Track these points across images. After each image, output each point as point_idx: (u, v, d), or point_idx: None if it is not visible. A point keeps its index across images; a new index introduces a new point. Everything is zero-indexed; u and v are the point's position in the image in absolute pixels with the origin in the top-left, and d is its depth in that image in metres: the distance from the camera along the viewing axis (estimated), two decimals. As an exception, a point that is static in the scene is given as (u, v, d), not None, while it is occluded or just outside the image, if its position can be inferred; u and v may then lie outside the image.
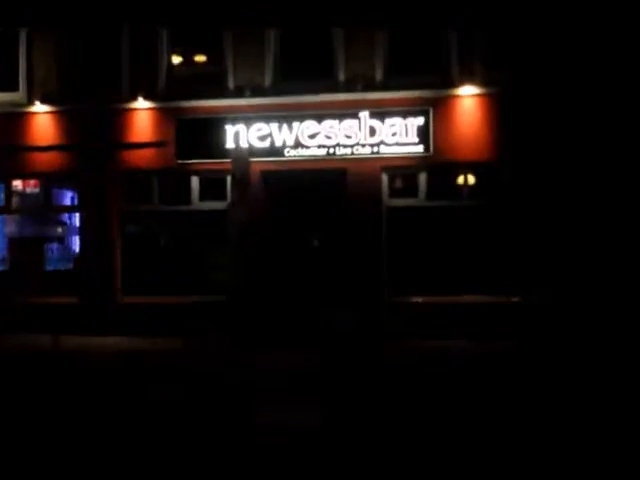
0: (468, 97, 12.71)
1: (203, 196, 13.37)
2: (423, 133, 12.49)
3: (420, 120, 12.52)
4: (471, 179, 12.80)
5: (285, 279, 12.93)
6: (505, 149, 12.45)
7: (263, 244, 12.85)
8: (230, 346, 11.15)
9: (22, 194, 14.25)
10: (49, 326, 12.78)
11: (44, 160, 13.73)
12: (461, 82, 12.70)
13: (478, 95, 12.69)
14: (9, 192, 14.16)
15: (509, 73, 12.45)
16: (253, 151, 12.56)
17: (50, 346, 11.63)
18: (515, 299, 12.41)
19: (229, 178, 12.41)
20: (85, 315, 13.40)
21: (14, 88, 13.97)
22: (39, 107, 13.82)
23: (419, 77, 12.75)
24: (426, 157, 12.58)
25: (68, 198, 14.41)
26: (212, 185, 13.29)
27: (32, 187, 14.14)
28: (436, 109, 12.60)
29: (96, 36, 13.61)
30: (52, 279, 13.86)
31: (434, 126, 12.56)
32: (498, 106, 12.54)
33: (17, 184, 14.25)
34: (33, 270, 13.83)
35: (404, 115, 12.51)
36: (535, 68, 12.40)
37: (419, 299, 12.72)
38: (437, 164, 12.65)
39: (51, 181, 14.06)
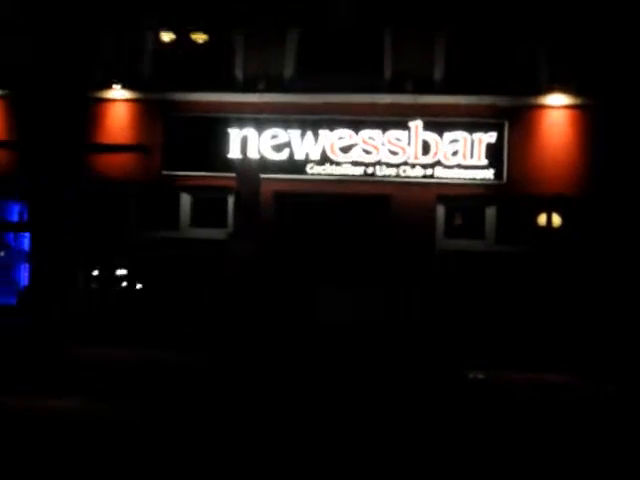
0: (557, 109, 11.00)
1: (196, 220, 11.69)
2: (495, 154, 10.88)
3: (491, 136, 10.88)
4: (556, 219, 11.07)
5: (298, 340, 10.82)
6: (603, 181, 10.76)
7: (272, 290, 10.82)
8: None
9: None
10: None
11: (-18, 161, 11.84)
12: (549, 89, 10.95)
13: (570, 107, 10.98)
14: None
15: (613, 79, 10.68)
16: (265, 164, 11.04)
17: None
18: (611, 387, 10.11)
19: (231, 199, 11.06)
20: (27, 367, 10.41)
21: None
22: (-23, 90, 11.91)
23: (492, 78, 11.01)
24: (498, 186, 10.96)
25: (14, 213, 12.67)
26: (208, 206, 11.67)
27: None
28: (513, 123, 10.96)
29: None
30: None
31: (510, 145, 10.94)
32: (597, 123, 10.81)
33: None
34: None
35: (470, 128, 10.90)
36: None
37: (479, 374, 10.26)
38: (512, 196, 11.02)
39: (-9, 190, 12.14)
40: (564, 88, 10.84)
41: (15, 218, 12.65)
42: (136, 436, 8.10)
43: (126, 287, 11.80)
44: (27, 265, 12.02)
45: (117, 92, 11.54)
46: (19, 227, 12.58)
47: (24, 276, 12.10)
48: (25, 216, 12.32)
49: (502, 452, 8.41)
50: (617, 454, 8.49)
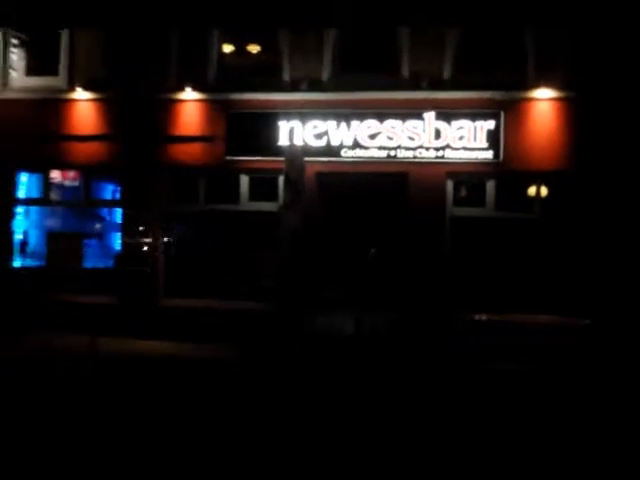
0: (544, 101, 11.97)
1: (253, 196, 12.82)
2: (493, 138, 11.84)
3: (490, 124, 11.85)
4: (544, 190, 12.07)
5: (337, 290, 12.31)
6: (582, 160, 11.69)
7: (315, 251, 12.21)
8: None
9: (60, 186, 13.74)
10: (85, 326, 12.13)
11: (84, 150, 13.19)
12: (537, 84, 11.92)
13: (555, 99, 11.95)
14: (47, 183, 13.64)
15: (591, 76, 11.65)
16: (308, 150, 11.97)
17: (86, 348, 11.08)
18: (586, 321, 11.66)
19: (281, 178, 11.84)
20: (124, 316, 12.87)
21: (54, 72, 13.41)
22: (80, 94, 13.26)
23: (491, 76, 12.01)
24: (495, 164, 11.94)
25: (109, 192, 13.94)
26: (263, 185, 12.73)
27: (71, 179, 13.67)
28: (508, 112, 11.93)
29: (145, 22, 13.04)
30: (90, 277, 13.32)
31: (505, 131, 11.89)
32: (577, 112, 11.78)
33: (55, 175, 13.72)
34: (71, 266, 13.31)
35: (473, 117, 11.88)
36: (620, 73, 11.59)
37: (483, 316, 12.03)
38: (507, 172, 11.99)
39: (91, 173, 13.48)
40: (550, 84, 11.67)
41: (109, 196, 13.85)
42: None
43: (200, 249, 13.03)
44: (119, 234, 13.28)
45: (188, 94, 12.64)
46: (112, 203, 13.73)
47: (117, 243, 13.45)
48: (117, 194, 13.49)
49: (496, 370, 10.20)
50: (588, 366, 10.26)
